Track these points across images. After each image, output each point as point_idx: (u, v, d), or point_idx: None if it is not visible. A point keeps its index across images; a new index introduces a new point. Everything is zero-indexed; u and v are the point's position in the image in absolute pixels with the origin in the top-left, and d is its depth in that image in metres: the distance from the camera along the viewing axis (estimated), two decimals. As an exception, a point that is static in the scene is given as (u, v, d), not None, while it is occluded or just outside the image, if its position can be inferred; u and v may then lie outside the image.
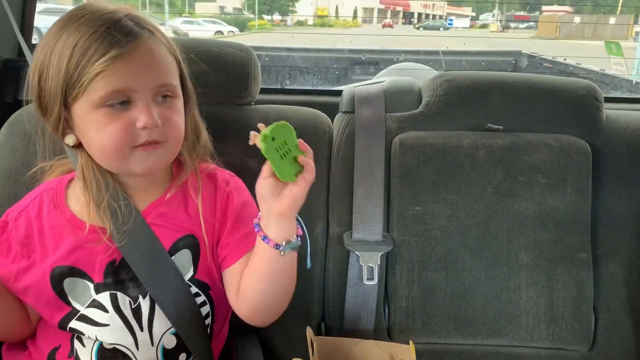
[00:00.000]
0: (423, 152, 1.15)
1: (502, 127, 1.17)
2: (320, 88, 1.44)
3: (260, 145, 0.77)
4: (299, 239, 0.85)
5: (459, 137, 1.17)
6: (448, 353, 1.15)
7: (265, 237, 0.83)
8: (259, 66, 1.17)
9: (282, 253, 0.83)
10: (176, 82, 0.86)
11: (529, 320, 1.13)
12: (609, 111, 1.22)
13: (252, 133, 0.80)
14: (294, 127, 1.14)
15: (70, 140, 0.84)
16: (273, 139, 0.77)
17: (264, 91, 1.23)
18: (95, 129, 0.81)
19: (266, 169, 0.80)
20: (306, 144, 0.81)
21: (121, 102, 0.80)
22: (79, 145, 0.85)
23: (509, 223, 1.14)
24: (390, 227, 1.15)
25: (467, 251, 1.14)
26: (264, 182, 0.80)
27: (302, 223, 0.86)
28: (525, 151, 1.15)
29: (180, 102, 0.87)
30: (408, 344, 0.98)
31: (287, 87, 1.40)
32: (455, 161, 1.15)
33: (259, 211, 0.84)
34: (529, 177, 1.15)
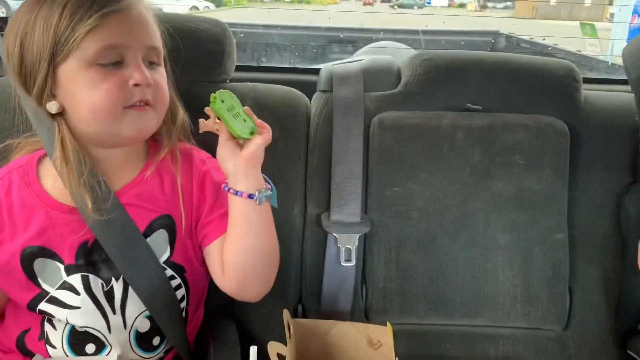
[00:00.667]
0: (402, 132, 1.14)
1: (481, 107, 1.17)
2: (297, 66, 1.41)
3: (210, 107, 0.84)
4: (271, 190, 0.87)
5: (438, 117, 1.15)
6: (425, 334, 1.16)
7: (236, 192, 0.84)
8: (234, 42, 1.14)
9: (257, 202, 0.84)
10: (162, 49, 0.87)
11: (505, 301, 1.14)
12: (587, 92, 1.22)
13: (201, 121, 0.87)
14: (270, 105, 1.12)
15: (53, 107, 0.82)
16: (222, 101, 0.83)
17: (239, 69, 1.20)
18: (87, 87, 0.79)
19: (222, 134, 0.85)
20: (250, 110, 0.87)
21: (113, 63, 0.80)
22: (58, 115, 0.82)
23: (486, 204, 1.14)
24: (369, 208, 1.14)
25: (444, 232, 1.14)
26: (223, 145, 0.85)
27: (269, 180, 0.89)
28: (504, 132, 1.15)
29: (164, 71, 0.88)
30: (385, 325, 0.98)
31: (263, 65, 1.36)
32: (433, 142, 1.14)
33: (226, 177, 0.87)
34: (506, 158, 1.14)
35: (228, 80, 1.16)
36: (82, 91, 0.80)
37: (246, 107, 0.87)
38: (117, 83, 0.80)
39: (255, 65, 1.37)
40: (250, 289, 0.90)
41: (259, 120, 0.87)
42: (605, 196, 1.17)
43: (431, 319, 1.15)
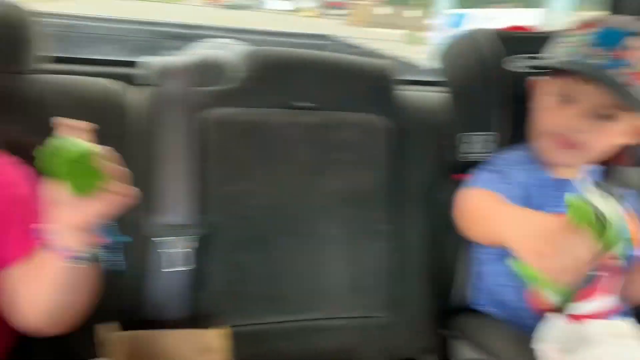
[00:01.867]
0: (231, 129, 1.11)
1: (309, 105, 1.18)
2: (119, 58, 1.31)
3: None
4: (99, 248, 0.75)
5: (268, 115, 1.15)
6: (263, 333, 1.15)
7: (55, 247, 0.72)
8: (37, 29, 1.02)
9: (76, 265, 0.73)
10: None
11: (337, 293, 1.17)
12: (407, 92, 1.30)
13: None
14: (86, 99, 1.01)
15: None
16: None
17: (55, 60, 1.09)
18: None
19: None
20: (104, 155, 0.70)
21: None
22: None
23: (318, 200, 1.16)
24: (202, 209, 1.09)
25: (280, 230, 1.14)
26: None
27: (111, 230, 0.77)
28: (333, 129, 1.18)
29: None
30: (222, 329, 0.95)
31: (81, 57, 1.24)
32: (264, 139, 1.13)
33: (48, 215, 0.72)
34: (336, 155, 1.17)
35: (32, 72, 1.03)
36: None
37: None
38: None
39: (72, 56, 1.24)
40: (50, 330, 0.82)
41: (119, 185, 0.72)
42: (423, 188, 1.24)
43: (268, 317, 1.14)
